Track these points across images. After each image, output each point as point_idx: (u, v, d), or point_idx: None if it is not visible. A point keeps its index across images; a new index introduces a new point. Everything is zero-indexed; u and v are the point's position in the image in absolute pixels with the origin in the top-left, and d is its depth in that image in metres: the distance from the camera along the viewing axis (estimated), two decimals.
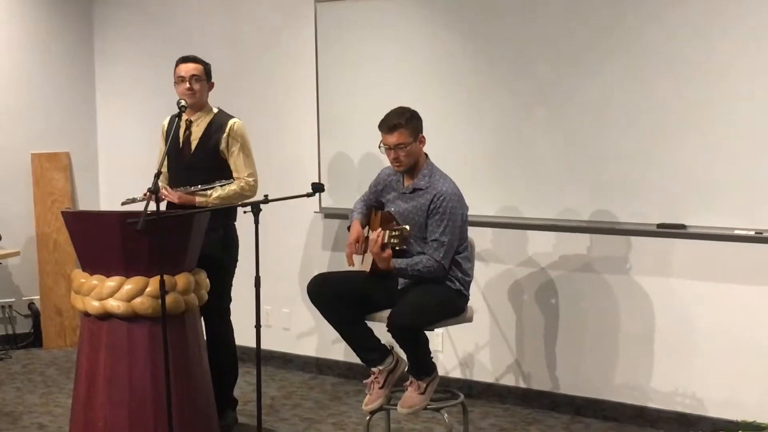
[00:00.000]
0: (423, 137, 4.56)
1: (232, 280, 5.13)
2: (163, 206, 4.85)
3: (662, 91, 4.86)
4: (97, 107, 7.32)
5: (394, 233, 4.33)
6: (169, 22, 6.79)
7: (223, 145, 4.98)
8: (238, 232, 5.11)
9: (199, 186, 4.90)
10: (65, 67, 7.20)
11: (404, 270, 4.45)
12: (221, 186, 4.91)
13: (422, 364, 4.48)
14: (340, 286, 4.58)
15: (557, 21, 5.14)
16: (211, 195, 4.90)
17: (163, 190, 4.85)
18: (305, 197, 4.65)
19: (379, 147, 4.57)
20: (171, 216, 4.45)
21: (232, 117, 5.06)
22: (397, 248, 4.39)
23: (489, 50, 5.38)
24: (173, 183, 5.03)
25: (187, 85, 4.95)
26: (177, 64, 5.03)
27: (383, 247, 4.37)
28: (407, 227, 4.38)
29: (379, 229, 4.42)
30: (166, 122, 5.23)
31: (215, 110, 5.08)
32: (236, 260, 5.14)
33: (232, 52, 6.43)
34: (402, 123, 4.49)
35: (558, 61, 5.16)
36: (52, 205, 7.04)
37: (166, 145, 4.98)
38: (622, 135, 5.00)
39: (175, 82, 5.02)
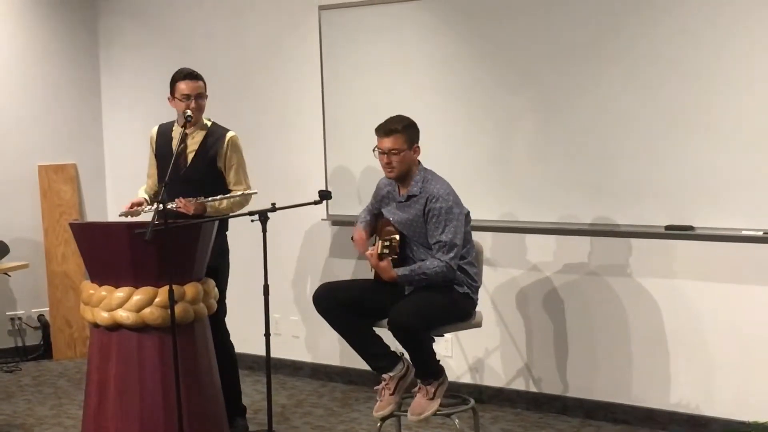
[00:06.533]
0: (418, 147, 4.57)
1: (226, 288, 5.15)
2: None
3: (667, 93, 4.86)
4: (103, 118, 7.33)
5: (385, 243, 4.36)
6: (174, 32, 6.80)
7: (220, 161, 4.97)
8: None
9: (203, 197, 4.85)
10: (71, 79, 7.21)
11: (409, 276, 4.45)
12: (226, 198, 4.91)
13: (427, 366, 4.48)
14: (345, 295, 4.58)
15: (560, 25, 5.14)
16: (221, 204, 4.90)
17: (178, 201, 4.82)
18: (312, 205, 4.67)
19: (373, 151, 4.57)
20: (179, 225, 4.45)
21: (228, 130, 5.04)
22: (393, 257, 4.41)
23: (492, 54, 5.38)
24: (168, 195, 5.00)
25: (194, 103, 4.87)
26: (179, 80, 4.91)
27: (379, 257, 4.39)
28: (396, 236, 4.41)
29: (377, 239, 4.45)
30: (154, 132, 5.18)
31: (208, 123, 5.05)
32: (229, 268, 5.16)
33: (237, 61, 6.44)
34: (398, 129, 4.51)
35: (561, 65, 5.16)
36: (60, 217, 7.05)
37: (155, 155, 5.01)
38: (628, 137, 4.99)
39: (176, 98, 4.92)
